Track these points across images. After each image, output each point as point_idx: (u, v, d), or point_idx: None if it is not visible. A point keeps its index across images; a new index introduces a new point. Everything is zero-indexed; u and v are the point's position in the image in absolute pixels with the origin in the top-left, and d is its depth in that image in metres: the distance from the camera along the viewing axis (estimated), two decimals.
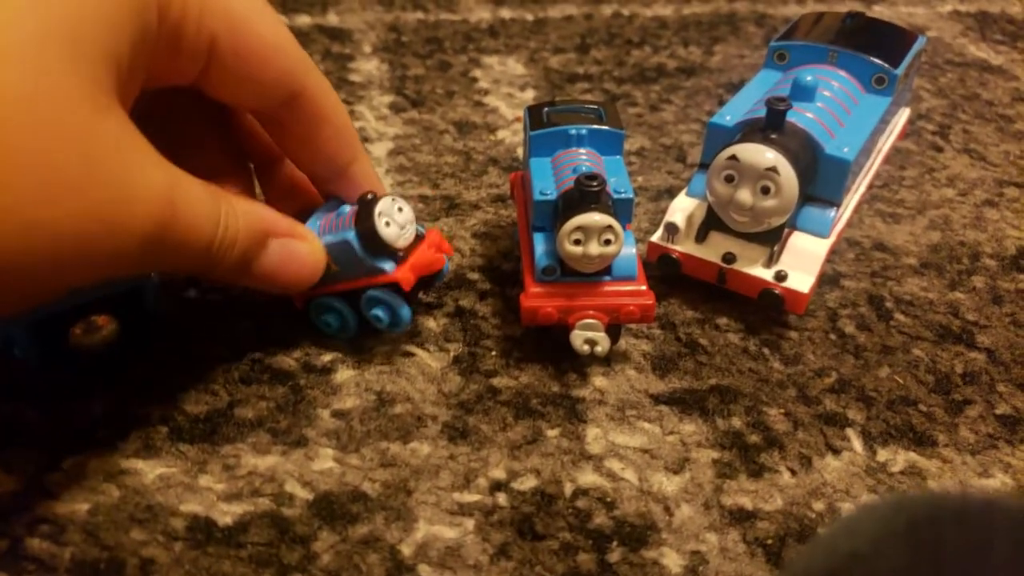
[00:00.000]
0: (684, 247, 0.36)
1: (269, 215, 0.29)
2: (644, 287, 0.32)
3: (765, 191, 0.33)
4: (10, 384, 0.31)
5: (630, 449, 0.30)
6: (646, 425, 0.31)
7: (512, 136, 0.49)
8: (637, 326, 0.35)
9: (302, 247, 0.30)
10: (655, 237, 0.37)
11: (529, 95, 0.54)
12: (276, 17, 0.28)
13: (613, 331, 0.32)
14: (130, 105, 0.25)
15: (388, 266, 0.31)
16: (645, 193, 0.44)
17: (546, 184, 0.32)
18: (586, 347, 0.32)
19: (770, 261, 0.35)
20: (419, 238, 0.33)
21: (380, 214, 0.31)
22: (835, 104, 0.37)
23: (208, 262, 0.26)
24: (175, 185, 0.24)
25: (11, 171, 0.19)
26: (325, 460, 0.29)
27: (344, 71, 0.55)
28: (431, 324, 0.35)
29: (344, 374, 0.33)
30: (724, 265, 0.36)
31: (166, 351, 0.33)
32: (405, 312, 0.32)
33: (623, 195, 0.32)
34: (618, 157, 0.34)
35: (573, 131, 0.34)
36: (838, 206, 0.36)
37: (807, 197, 0.36)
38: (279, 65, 0.28)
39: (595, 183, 0.30)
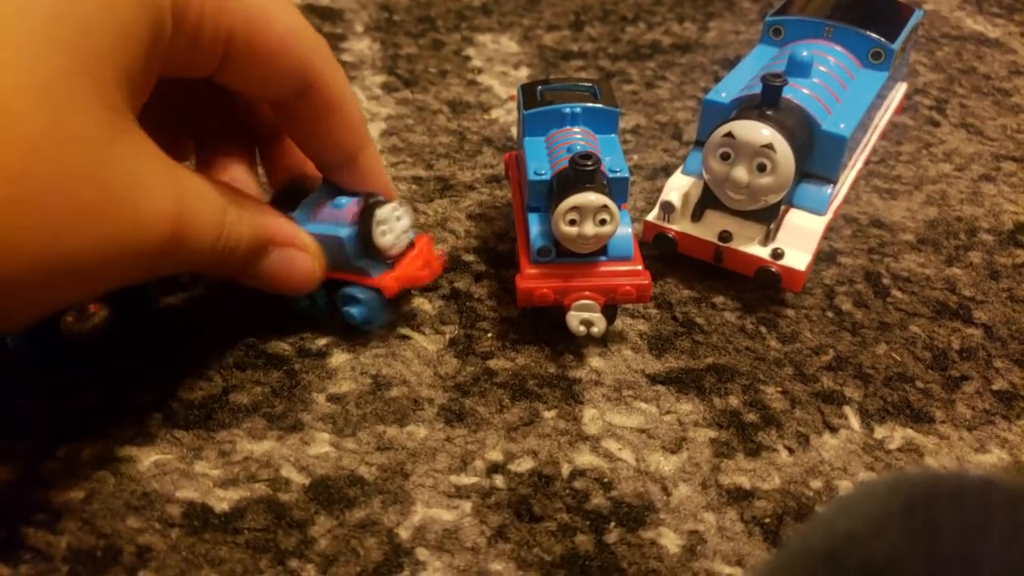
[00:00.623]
0: (680, 226, 0.36)
1: (273, 223, 0.30)
2: (640, 267, 0.32)
3: (761, 168, 0.32)
4: (3, 373, 0.31)
5: (627, 429, 0.30)
6: (643, 405, 0.31)
7: (506, 115, 0.48)
8: (633, 306, 0.35)
9: (301, 257, 0.31)
10: (651, 216, 0.37)
11: (523, 73, 0.53)
12: (292, 7, 0.28)
13: (609, 312, 0.32)
14: (139, 108, 0.25)
15: (375, 271, 0.32)
16: (641, 172, 0.44)
17: (540, 164, 0.32)
18: (582, 328, 0.32)
19: (766, 239, 0.35)
20: (409, 246, 0.33)
21: (379, 223, 0.31)
22: (831, 80, 0.37)
23: (212, 262, 0.27)
24: (184, 198, 0.25)
25: (30, 206, 0.20)
26: (321, 444, 0.29)
27: (336, 51, 0.54)
28: (426, 307, 0.35)
29: (339, 358, 0.32)
30: (720, 244, 0.35)
31: (160, 337, 0.33)
32: (380, 318, 0.33)
33: (618, 174, 0.31)
34: (613, 136, 0.34)
35: (567, 109, 0.33)
36: (835, 183, 0.36)
37: (803, 174, 0.36)
38: (294, 57, 0.28)
39: (590, 162, 0.29)
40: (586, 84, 0.35)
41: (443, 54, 0.55)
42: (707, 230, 0.36)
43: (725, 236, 0.35)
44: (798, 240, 0.35)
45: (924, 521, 0.16)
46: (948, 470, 0.29)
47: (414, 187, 0.42)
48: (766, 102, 0.33)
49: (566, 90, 0.35)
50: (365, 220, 0.31)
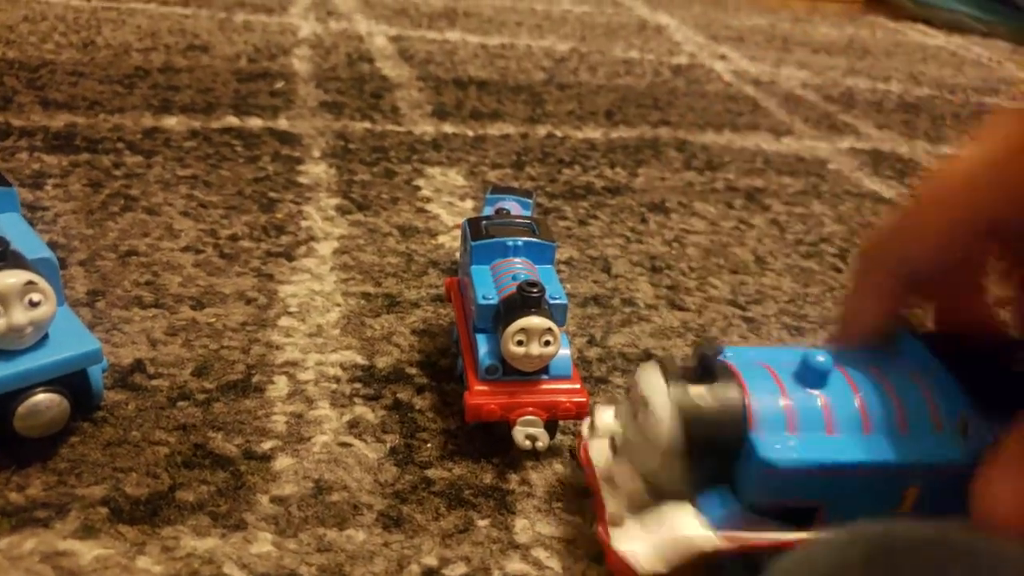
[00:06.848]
0: None
1: None
2: (579, 385, 0.35)
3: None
4: None
5: (555, 539, 0.32)
6: (571, 517, 0.33)
7: (452, 241, 0.52)
8: (564, 422, 0.38)
9: None
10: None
11: (468, 205, 0.57)
12: None
13: (550, 427, 0.35)
14: None
15: None
16: (573, 299, 0.48)
17: (488, 290, 0.35)
18: (528, 442, 0.34)
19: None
20: None
21: None
22: None
23: None
24: None
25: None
26: (263, 544, 0.30)
27: (293, 173, 0.58)
28: (369, 416, 0.37)
29: (283, 462, 0.34)
30: None
31: (110, 433, 0.34)
32: None
33: (558, 301, 0.35)
34: (550, 266, 0.38)
35: (511, 242, 0.37)
36: None
37: None
38: None
39: (536, 290, 0.33)
40: (526, 220, 0.39)
41: (395, 182, 0.59)
42: None
43: None
44: None
45: (884, 571, 0.17)
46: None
47: (362, 302, 0.45)
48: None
49: (508, 225, 0.38)
50: None
